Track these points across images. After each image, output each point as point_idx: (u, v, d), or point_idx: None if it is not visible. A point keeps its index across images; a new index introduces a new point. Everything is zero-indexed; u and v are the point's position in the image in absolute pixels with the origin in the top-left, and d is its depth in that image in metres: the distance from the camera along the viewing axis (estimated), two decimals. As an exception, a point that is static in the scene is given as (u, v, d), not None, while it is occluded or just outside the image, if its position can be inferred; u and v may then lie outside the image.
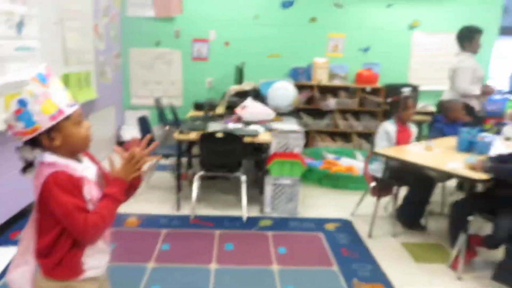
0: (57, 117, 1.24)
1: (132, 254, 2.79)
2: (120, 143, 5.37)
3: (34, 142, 1.27)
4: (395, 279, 2.65)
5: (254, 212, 3.60)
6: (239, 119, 3.92)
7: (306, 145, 4.95)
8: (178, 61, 5.60)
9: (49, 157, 1.27)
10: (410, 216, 3.38)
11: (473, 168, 2.68)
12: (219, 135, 3.35)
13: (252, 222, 3.42)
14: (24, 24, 3.08)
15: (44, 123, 1.23)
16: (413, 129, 3.56)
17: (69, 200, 1.22)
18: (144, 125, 3.87)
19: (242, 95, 4.46)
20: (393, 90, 5.35)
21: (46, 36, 3.41)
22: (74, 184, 1.25)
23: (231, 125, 3.77)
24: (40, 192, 1.22)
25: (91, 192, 1.30)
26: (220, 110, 4.36)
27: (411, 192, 3.34)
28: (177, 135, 3.48)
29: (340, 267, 2.78)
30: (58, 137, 1.27)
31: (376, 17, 5.62)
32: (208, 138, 3.36)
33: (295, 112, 4.51)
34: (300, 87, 5.12)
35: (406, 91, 5.30)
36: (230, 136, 3.37)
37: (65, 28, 3.78)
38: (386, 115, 5.22)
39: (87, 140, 1.35)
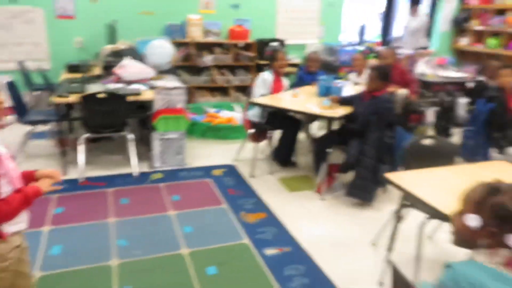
0: None
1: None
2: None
3: None
4: (274, 207, 3.16)
5: (144, 168, 3.76)
6: (118, 79, 3.91)
7: (187, 101, 5.14)
8: (40, 20, 5.14)
9: None
10: (283, 155, 3.93)
11: (327, 108, 3.28)
12: (101, 95, 3.36)
13: (143, 177, 3.59)
14: None
15: None
16: (285, 82, 4.05)
17: None
18: (13, 90, 3.61)
19: (118, 55, 4.39)
20: (263, 45, 5.80)
21: None
22: None
23: (111, 86, 3.77)
24: None
25: (8, 165, 1.40)
26: (96, 71, 4.25)
27: (283, 134, 3.87)
28: (56, 99, 3.37)
29: (229, 204, 3.18)
30: None
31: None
32: (90, 100, 3.34)
33: (173, 70, 4.63)
34: (176, 45, 5.21)
35: (274, 45, 5.81)
36: (113, 96, 3.40)
37: None
38: (259, 69, 5.67)
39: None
